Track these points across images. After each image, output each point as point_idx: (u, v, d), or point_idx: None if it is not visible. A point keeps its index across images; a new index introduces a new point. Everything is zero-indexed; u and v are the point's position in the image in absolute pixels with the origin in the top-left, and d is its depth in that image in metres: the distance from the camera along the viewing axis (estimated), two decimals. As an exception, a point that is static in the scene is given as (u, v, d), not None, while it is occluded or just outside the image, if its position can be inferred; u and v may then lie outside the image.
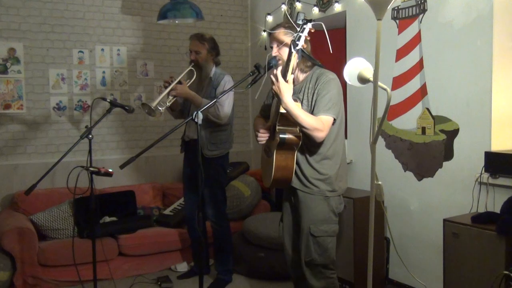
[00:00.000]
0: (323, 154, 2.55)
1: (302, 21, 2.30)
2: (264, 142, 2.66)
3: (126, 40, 4.89)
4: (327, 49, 2.40)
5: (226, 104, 3.56)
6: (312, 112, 2.49)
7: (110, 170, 2.89)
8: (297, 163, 2.55)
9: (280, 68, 2.41)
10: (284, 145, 2.45)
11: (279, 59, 2.57)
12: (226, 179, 3.97)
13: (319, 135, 2.42)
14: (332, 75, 2.54)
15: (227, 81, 3.61)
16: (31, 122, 4.50)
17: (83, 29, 4.68)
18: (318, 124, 2.41)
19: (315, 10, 4.36)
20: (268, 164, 2.58)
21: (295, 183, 2.59)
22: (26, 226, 3.77)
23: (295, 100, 2.42)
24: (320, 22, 2.36)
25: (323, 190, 2.56)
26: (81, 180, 2.95)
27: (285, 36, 2.56)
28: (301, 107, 2.47)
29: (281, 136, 2.43)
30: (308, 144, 2.53)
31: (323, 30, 2.34)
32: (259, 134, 2.66)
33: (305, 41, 2.36)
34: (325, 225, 2.57)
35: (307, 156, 2.56)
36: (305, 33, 2.31)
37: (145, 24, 4.97)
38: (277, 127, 2.46)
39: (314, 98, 2.50)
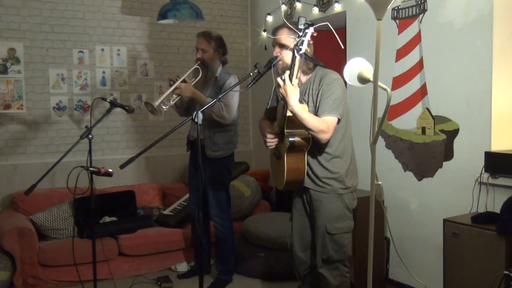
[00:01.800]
0: (333, 154, 2.57)
1: (304, 25, 2.29)
2: (273, 146, 2.66)
3: (126, 40, 4.89)
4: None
5: (232, 104, 3.55)
6: (316, 112, 2.50)
7: (110, 170, 2.88)
8: (308, 164, 2.57)
9: (288, 72, 2.42)
10: (294, 148, 2.47)
11: (279, 60, 2.57)
12: (230, 180, 3.96)
13: (324, 136, 2.44)
14: (335, 75, 2.55)
15: (233, 82, 3.56)
16: (31, 122, 4.50)
17: (83, 29, 4.68)
18: (323, 125, 2.42)
19: (315, 10, 4.36)
20: (279, 167, 2.59)
21: (308, 183, 2.61)
22: (26, 226, 3.77)
23: (300, 102, 2.44)
24: (326, 23, 2.36)
25: (336, 188, 2.58)
26: (81, 180, 2.95)
27: (287, 38, 2.55)
28: (307, 109, 2.48)
29: (290, 139, 2.45)
30: (318, 144, 2.53)
31: (331, 30, 2.33)
32: (268, 140, 2.66)
33: (308, 44, 2.36)
34: (341, 222, 2.60)
35: (318, 156, 2.58)
36: (308, 37, 2.30)
37: (145, 24, 4.98)
38: (286, 131, 2.47)
39: (319, 99, 2.51)
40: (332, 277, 2.63)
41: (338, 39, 2.33)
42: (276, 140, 2.63)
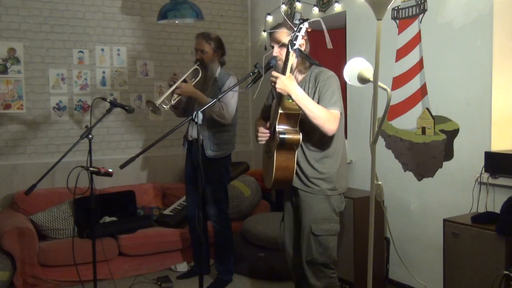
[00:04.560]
0: (323, 153, 2.56)
1: (299, 20, 2.31)
2: (264, 142, 2.66)
3: (126, 40, 4.89)
4: (328, 49, 2.40)
5: (231, 104, 3.55)
6: None
7: (110, 170, 2.89)
8: (297, 163, 2.56)
9: (281, 68, 2.42)
10: (284, 146, 2.46)
11: (279, 59, 2.57)
12: (228, 180, 3.97)
13: (331, 126, 2.42)
14: (330, 72, 2.55)
15: (232, 82, 3.58)
16: (31, 122, 4.50)
17: (83, 29, 4.68)
18: (329, 115, 2.41)
19: (315, 10, 4.36)
20: (269, 165, 2.58)
21: (296, 182, 2.60)
22: (26, 226, 3.77)
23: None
24: (318, 19, 2.36)
25: (324, 189, 2.57)
26: (81, 180, 2.95)
27: (286, 37, 2.55)
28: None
29: (281, 136, 2.44)
30: (308, 143, 2.53)
31: (322, 27, 2.34)
32: (259, 134, 2.65)
33: (303, 41, 2.36)
34: (326, 224, 2.58)
35: (307, 155, 2.57)
36: (302, 32, 2.31)
37: (145, 24, 4.97)
38: (277, 128, 2.47)
39: (316, 96, 2.51)
40: (316, 279, 2.62)
41: (327, 37, 2.33)
42: (267, 135, 2.62)
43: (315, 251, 2.58)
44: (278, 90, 2.40)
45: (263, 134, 2.64)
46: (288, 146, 2.47)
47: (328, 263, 2.62)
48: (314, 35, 2.54)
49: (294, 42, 2.32)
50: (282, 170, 2.50)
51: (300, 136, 2.47)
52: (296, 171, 2.56)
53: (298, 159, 2.56)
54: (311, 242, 2.58)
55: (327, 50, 2.57)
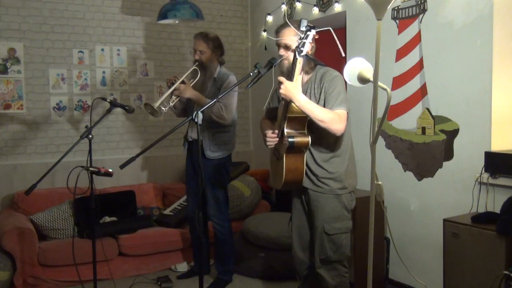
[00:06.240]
0: (332, 153, 2.58)
1: (306, 27, 2.30)
2: (273, 146, 2.65)
3: (126, 40, 4.89)
4: (328, 48, 2.40)
5: (231, 104, 3.54)
6: None
7: (110, 170, 2.89)
8: (306, 164, 2.57)
9: (281, 78, 2.43)
10: (293, 149, 2.47)
11: (285, 58, 2.56)
12: (228, 180, 3.96)
13: (338, 127, 2.43)
14: (335, 72, 2.56)
15: (232, 82, 3.57)
16: (31, 122, 4.50)
17: (83, 29, 4.68)
18: (335, 116, 2.41)
19: (315, 10, 4.36)
20: (278, 167, 2.59)
21: (306, 183, 2.61)
22: (26, 226, 3.77)
23: None
24: (328, 28, 2.36)
25: (334, 188, 2.59)
26: (81, 180, 2.95)
27: (292, 38, 2.54)
28: None
29: (289, 140, 2.44)
30: (316, 144, 2.54)
31: (333, 36, 2.34)
32: (268, 138, 2.64)
33: (309, 46, 2.36)
34: (339, 222, 2.60)
35: (316, 156, 2.58)
36: (309, 39, 2.30)
37: (145, 24, 4.97)
38: (285, 131, 2.47)
39: (322, 97, 2.51)
40: (330, 277, 2.63)
41: (340, 46, 2.33)
42: (276, 139, 2.62)
43: (329, 250, 2.60)
44: (281, 95, 2.42)
45: (272, 139, 2.63)
46: (297, 149, 2.48)
47: (342, 260, 2.64)
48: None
49: (302, 49, 2.31)
50: (292, 172, 2.51)
51: (309, 139, 2.47)
52: (306, 171, 2.57)
53: (307, 160, 2.56)
54: (324, 241, 2.60)
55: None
